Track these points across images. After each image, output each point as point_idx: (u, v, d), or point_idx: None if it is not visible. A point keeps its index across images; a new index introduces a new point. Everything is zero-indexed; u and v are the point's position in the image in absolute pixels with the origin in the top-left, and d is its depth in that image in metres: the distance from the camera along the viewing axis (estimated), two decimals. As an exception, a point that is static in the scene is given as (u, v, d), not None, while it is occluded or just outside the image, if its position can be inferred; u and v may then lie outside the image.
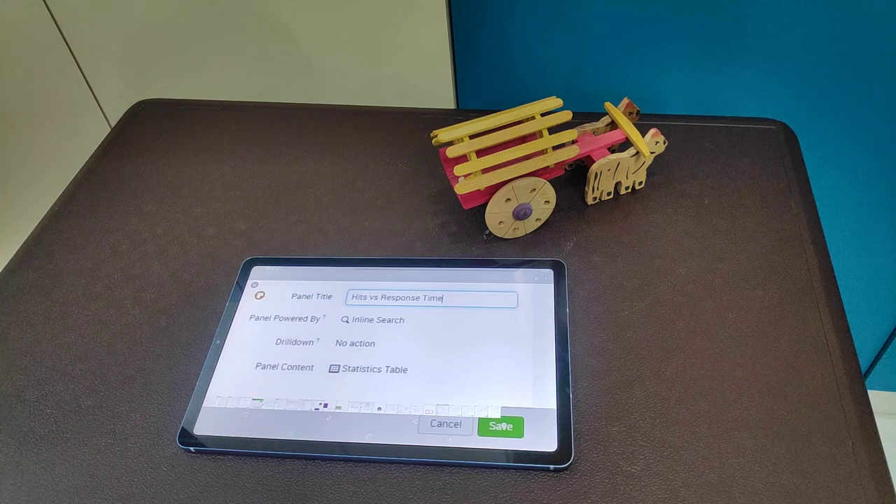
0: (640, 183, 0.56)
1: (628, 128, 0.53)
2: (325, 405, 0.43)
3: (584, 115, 0.61)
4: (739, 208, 0.54)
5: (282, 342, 0.47)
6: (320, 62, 0.72)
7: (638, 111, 0.56)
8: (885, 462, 0.39)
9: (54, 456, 0.43)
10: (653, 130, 0.53)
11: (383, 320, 0.48)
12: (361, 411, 0.43)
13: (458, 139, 0.49)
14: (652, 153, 0.53)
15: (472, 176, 0.49)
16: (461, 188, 0.49)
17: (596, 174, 0.53)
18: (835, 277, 0.49)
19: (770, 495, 0.38)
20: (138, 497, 0.41)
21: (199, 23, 0.71)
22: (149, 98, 0.76)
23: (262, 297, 0.50)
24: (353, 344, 0.46)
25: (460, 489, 0.40)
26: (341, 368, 0.45)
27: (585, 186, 0.54)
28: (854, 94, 0.70)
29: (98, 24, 0.73)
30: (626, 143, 0.58)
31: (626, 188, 0.55)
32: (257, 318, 0.49)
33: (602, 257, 0.51)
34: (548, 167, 0.51)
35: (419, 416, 0.42)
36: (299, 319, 0.48)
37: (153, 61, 0.76)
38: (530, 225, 0.53)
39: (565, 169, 0.58)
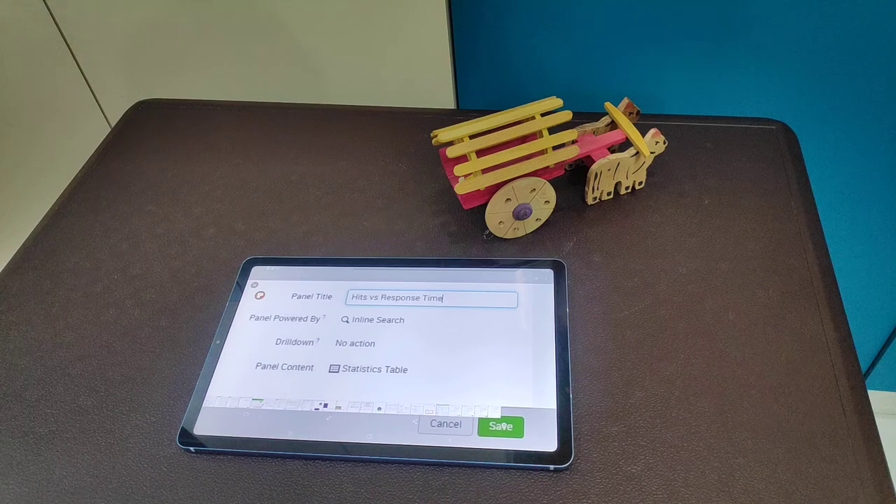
0: (640, 183, 0.56)
1: (628, 128, 0.53)
2: (325, 405, 0.43)
3: (584, 115, 0.61)
4: (739, 208, 0.54)
5: (282, 342, 0.47)
6: (320, 62, 0.72)
7: (638, 111, 0.56)
8: (885, 462, 0.39)
9: (54, 456, 0.43)
10: (653, 130, 0.53)
11: (383, 320, 0.48)
12: (361, 411, 0.43)
13: (458, 139, 0.49)
14: (652, 153, 0.53)
15: (472, 176, 0.49)
16: (461, 188, 0.49)
17: (596, 174, 0.53)
18: (835, 277, 0.49)
19: (770, 495, 0.38)
20: (138, 497, 0.41)
21: (199, 23, 0.71)
22: (149, 98, 0.76)
23: (262, 297, 0.50)
24: (353, 344, 0.46)
25: (460, 489, 0.40)
26: (341, 368, 0.45)
27: (585, 186, 0.54)
28: (854, 94, 0.70)
29: (98, 24, 0.73)
30: (626, 143, 0.58)
31: (626, 188, 0.55)
32: (257, 318, 0.49)
33: (602, 257, 0.51)
34: (548, 167, 0.51)
35: (419, 416, 0.42)
36: (299, 319, 0.48)
37: (153, 61, 0.76)
38: (530, 225, 0.53)
39: (565, 169, 0.58)
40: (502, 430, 0.41)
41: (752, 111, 0.73)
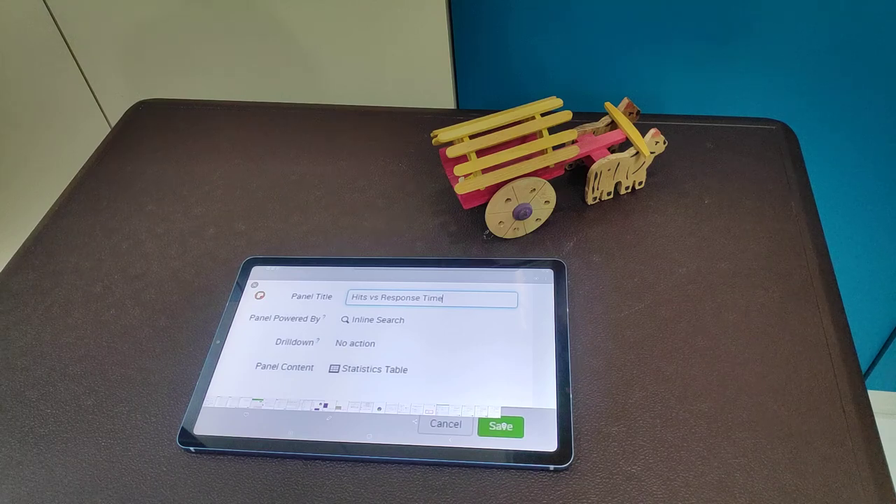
0: (640, 183, 0.56)
1: (628, 128, 0.53)
2: (325, 405, 0.43)
3: (584, 115, 0.61)
4: (739, 208, 0.54)
5: (282, 342, 0.47)
6: (320, 62, 0.72)
7: (638, 111, 0.56)
8: (885, 462, 0.39)
9: (54, 456, 0.43)
10: (653, 130, 0.53)
11: (383, 320, 0.48)
12: (361, 411, 0.43)
13: (458, 139, 0.49)
14: (652, 153, 0.53)
15: (472, 176, 0.49)
16: (461, 188, 0.49)
17: (596, 174, 0.53)
18: (835, 277, 0.49)
19: (770, 495, 0.38)
20: (138, 497, 0.41)
21: (199, 23, 0.71)
22: (149, 98, 0.76)
23: (262, 297, 0.50)
24: (353, 344, 0.46)
25: (460, 489, 0.40)
26: (341, 368, 0.45)
27: (585, 186, 0.54)
28: (854, 94, 0.70)
29: (98, 24, 0.73)
30: (626, 143, 0.58)
31: (626, 188, 0.55)
32: (257, 318, 0.49)
33: (602, 257, 0.51)
34: (548, 167, 0.51)
35: (419, 416, 0.42)
36: (299, 319, 0.48)
37: (153, 61, 0.76)
38: (530, 225, 0.53)
39: (565, 169, 0.58)
40: (502, 430, 0.41)
41: (752, 111, 0.73)
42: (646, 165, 0.54)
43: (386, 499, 0.40)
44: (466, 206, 0.51)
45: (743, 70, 0.70)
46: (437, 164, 0.60)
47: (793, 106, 0.72)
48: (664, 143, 0.53)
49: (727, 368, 0.44)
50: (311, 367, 0.45)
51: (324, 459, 0.42)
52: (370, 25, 0.68)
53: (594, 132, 0.56)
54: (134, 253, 0.55)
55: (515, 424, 0.41)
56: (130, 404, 0.45)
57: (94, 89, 0.80)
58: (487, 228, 0.54)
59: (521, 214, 0.51)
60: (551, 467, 0.40)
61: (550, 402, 0.42)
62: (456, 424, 0.42)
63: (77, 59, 0.77)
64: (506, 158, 0.49)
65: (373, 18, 0.67)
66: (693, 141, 0.60)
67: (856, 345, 0.85)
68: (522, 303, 0.48)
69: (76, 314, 0.51)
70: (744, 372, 0.44)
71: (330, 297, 0.49)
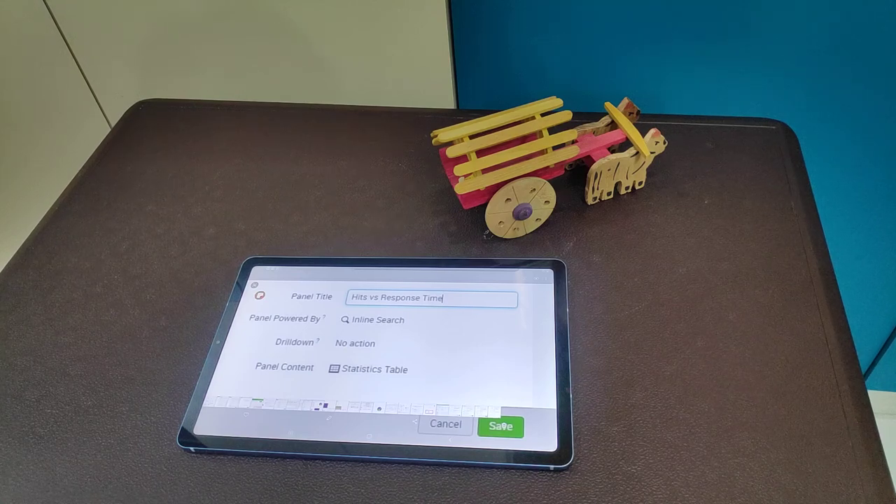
0: (640, 183, 0.56)
1: (628, 128, 0.53)
2: (325, 405, 0.43)
3: (584, 115, 0.61)
4: (739, 208, 0.54)
5: (282, 342, 0.47)
6: (320, 62, 0.72)
7: (638, 111, 0.56)
8: (885, 462, 0.39)
9: (54, 456, 0.43)
10: (653, 130, 0.53)
11: (383, 320, 0.48)
12: (361, 411, 0.43)
13: (458, 139, 0.49)
14: (652, 153, 0.53)
15: (472, 176, 0.49)
16: (461, 188, 0.49)
17: (596, 174, 0.53)
18: (835, 277, 0.49)
19: (770, 495, 0.38)
20: (138, 497, 0.41)
21: (199, 23, 0.71)
22: (149, 98, 0.76)
23: (262, 297, 0.50)
24: (353, 344, 0.46)
25: (460, 489, 0.40)
26: (341, 368, 0.45)
27: (585, 186, 0.54)
28: (854, 94, 0.70)
29: (98, 24, 0.73)
30: (626, 143, 0.58)
31: (626, 188, 0.55)
32: (257, 318, 0.49)
33: (602, 257, 0.51)
34: (548, 167, 0.51)
35: (419, 416, 0.42)
36: (299, 319, 0.48)
37: (153, 61, 0.76)
38: (530, 225, 0.53)
39: (565, 169, 0.58)
40: (502, 430, 0.41)
41: (752, 111, 0.73)
42: (646, 165, 0.54)
43: (386, 499, 0.40)
44: (466, 206, 0.51)
45: (743, 70, 0.70)
46: (437, 164, 0.60)
47: (793, 106, 0.72)
48: (664, 143, 0.53)
49: (727, 368, 0.44)
50: (311, 367, 0.45)
51: (324, 459, 0.42)
52: (370, 25, 0.68)
53: (594, 132, 0.56)
54: (134, 253, 0.55)
55: (515, 424, 0.41)
56: (130, 404, 0.45)
57: (94, 89, 0.80)
58: (487, 228, 0.54)
59: (521, 214, 0.51)
60: (551, 467, 0.40)
61: (550, 402, 0.42)
62: (456, 424, 0.42)
63: (77, 59, 0.77)
64: (506, 158, 0.49)
65: (373, 18, 0.67)
66: (693, 141, 0.60)
67: (856, 345, 0.85)
68: (522, 303, 0.48)
69: (76, 314, 0.51)
70: (744, 372, 0.44)
71: (330, 297, 0.49)
